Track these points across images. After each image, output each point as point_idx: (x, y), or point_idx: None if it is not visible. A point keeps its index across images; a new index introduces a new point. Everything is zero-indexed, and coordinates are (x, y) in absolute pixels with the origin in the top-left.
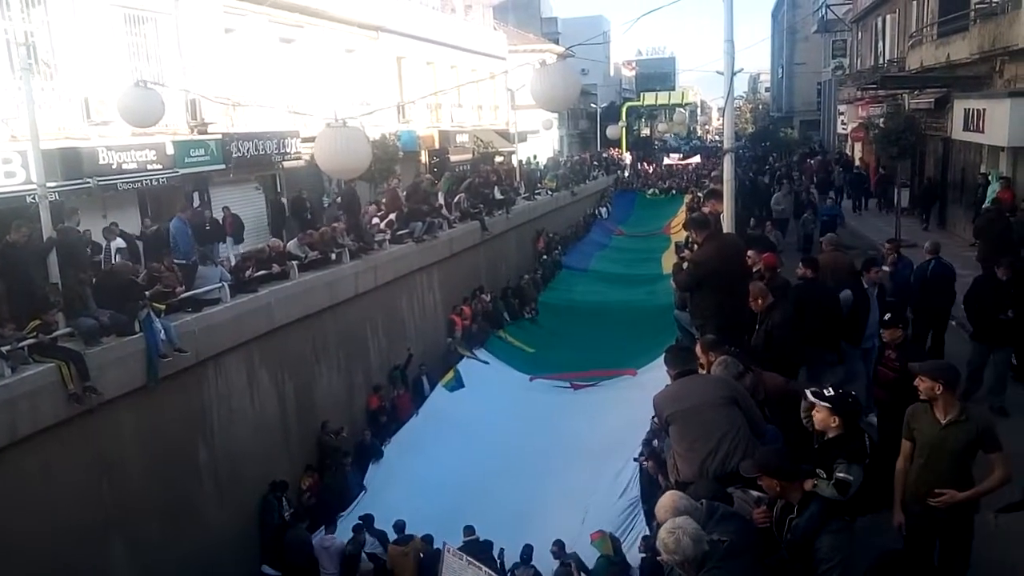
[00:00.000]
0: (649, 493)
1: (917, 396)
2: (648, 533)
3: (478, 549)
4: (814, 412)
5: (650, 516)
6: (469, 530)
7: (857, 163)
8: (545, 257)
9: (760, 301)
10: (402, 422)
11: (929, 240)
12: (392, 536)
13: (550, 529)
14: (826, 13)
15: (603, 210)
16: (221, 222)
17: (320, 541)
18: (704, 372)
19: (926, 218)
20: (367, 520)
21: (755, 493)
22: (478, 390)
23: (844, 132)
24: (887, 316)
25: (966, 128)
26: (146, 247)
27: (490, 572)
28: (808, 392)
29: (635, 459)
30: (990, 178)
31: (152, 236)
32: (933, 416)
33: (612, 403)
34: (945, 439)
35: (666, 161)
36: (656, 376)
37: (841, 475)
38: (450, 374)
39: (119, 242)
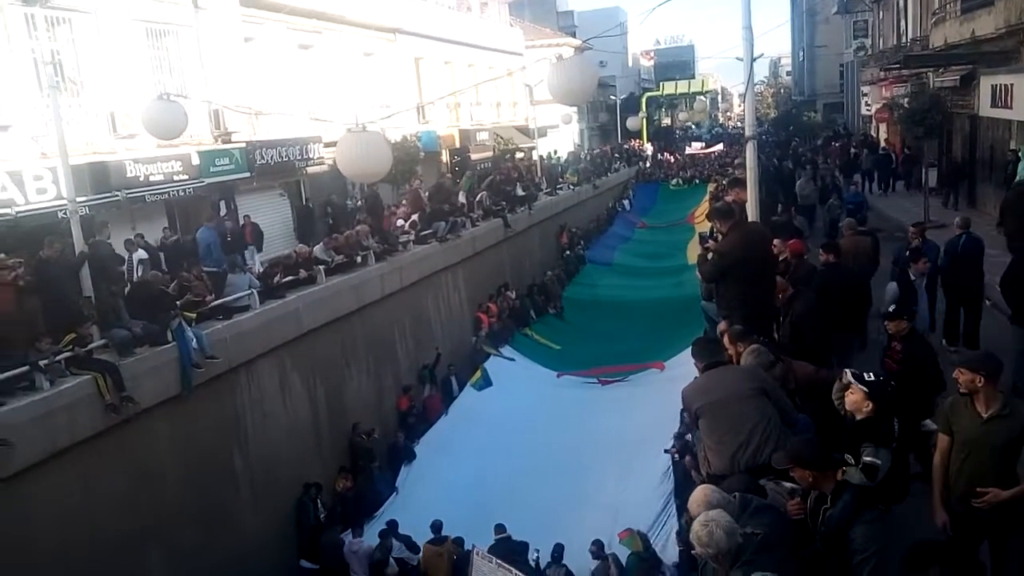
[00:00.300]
0: (684, 488)
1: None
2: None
3: (510, 549)
4: (847, 393)
5: (682, 511)
6: (500, 528)
7: (883, 144)
8: (568, 252)
9: (781, 295)
10: (432, 423)
11: (959, 216)
12: (422, 537)
13: (582, 528)
14: None
15: (625, 202)
16: (240, 230)
17: (349, 545)
18: (732, 363)
19: (954, 198)
20: (392, 525)
21: (788, 484)
22: (506, 388)
23: (868, 113)
24: (891, 308)
25: (994, 104)
26: (167, 257)
27: (519, 574)
28: (848, 372)
29: (666, 450)
30: (1020, 154)
31: (172, 246)
32: (974, 410)
33: (641, 398)
34: (987, 434)
35: (688, 150)
36: (685, 369)
37: (868, 459)
38: (477, 373)
39: (141, 253)
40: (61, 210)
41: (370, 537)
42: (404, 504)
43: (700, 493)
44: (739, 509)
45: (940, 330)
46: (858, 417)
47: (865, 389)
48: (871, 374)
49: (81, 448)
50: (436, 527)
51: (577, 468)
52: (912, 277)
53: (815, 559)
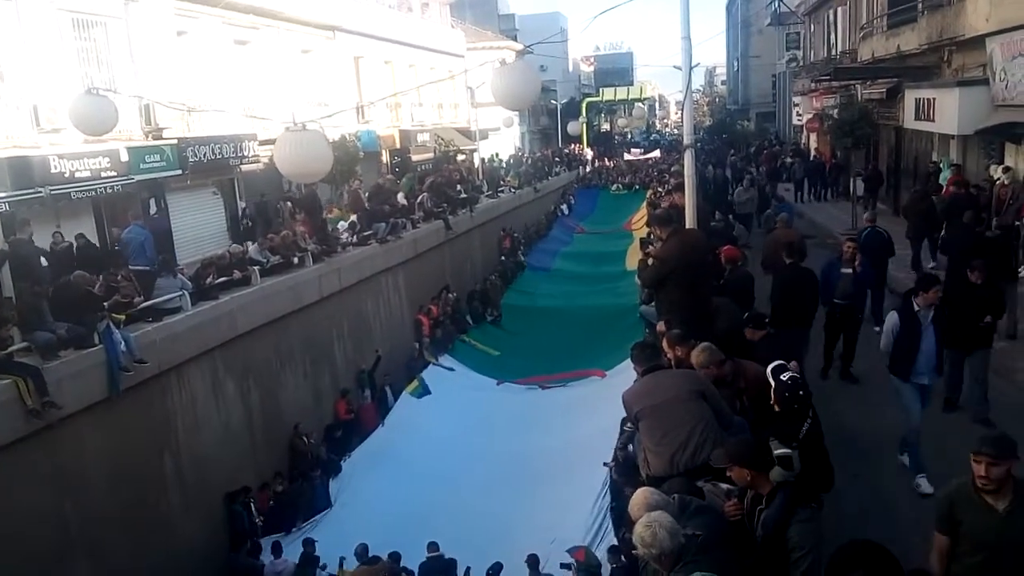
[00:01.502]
0: (620, 500)
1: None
2: (616, 543)
3: (441, 567)
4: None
5: (619, 525)
6: (433, 546)
7: (813, 153)
8: (505, 258)
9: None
10: (366, 434)
11: (869, 212)
12: (347, 557)
13: (520, 544)
14: (779, 6)
15: (564, 207)
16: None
17: (272, 566)
18: (671, 367)
19: (872, 203)
20: (308, 545)
21: (725, 486)
22: (445, 397)
23: (799, 123)
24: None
25: (917, 117)
26: (52, 267)
27: None
28: (776, 365)
29: (605, 464)
30: (941, 165)
31: (63, 253)
32: (984, 502)
33: (582, 406)
34: (1012, 532)
35: (627, 156)
36: (626, 376)
37: (779, 452)
38: (415, 383)
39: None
40: None
41: (289, 553)
42: (336, 519)
43: (640, 496)
44: (678, 510)
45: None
46: (777, 408)
47: (772, 384)
48: (788, 374)
49: (1, 455)
50: (361, 552)
51: (516, 481)
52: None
53: (756, 565)
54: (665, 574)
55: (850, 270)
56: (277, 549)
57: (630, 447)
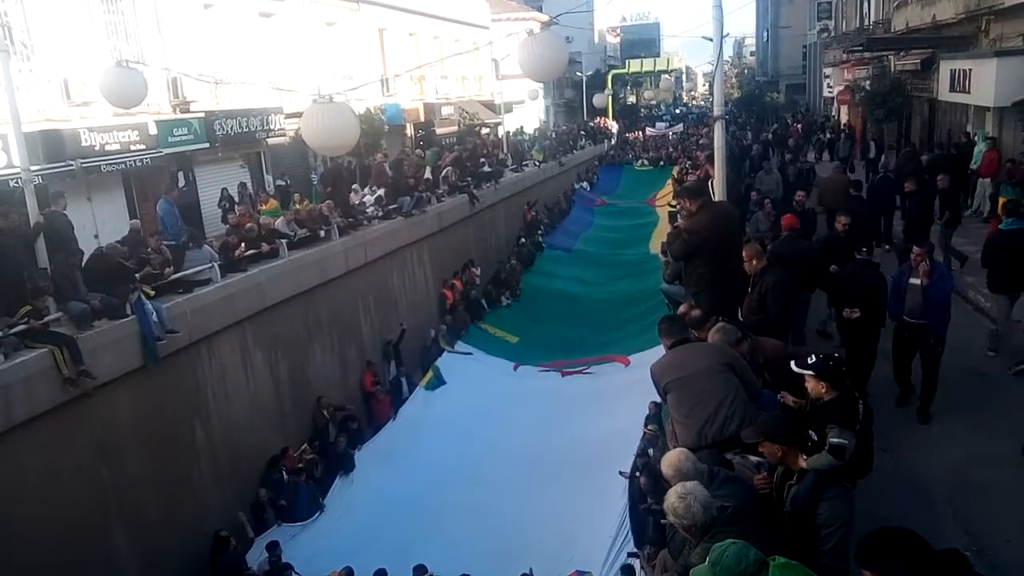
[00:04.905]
0: (634, 511)
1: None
2: (629, 562)
3: None
4: (807, 382)
5: (640, 542)
6: (420, 569)
7: (842, 127)
8: (524, 240)
9: (755, 262)
10: (378, 427)
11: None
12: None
13: (532, 552)
14: None
15: (585, 184)
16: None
17: (260, 566)
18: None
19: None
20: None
21: (754, 459)
22: (460, 386)
23: (830, 95)
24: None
25: (952, 89)
26: None
27: None
28: (793, 363)
29: (621, 472)
30: (976, 138)
31: None
32: None
33: (604, 400)
34: None
35: (649, 131)
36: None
37: (835, 440)
38: (429, 374)
39: None
40: (13, 179)
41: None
42: (335, 522)
43: (674, 456)
44: (707, 480)
45: None
46: (824, 399)
47: (811, 372)
48: (813, 356)
49: (40, 422)
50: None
51: (531, 481)
52: None
53: (785, 538)
54: (694, 543)
55: (917, 281)
56: (273, 548)
57: (651, 451)
